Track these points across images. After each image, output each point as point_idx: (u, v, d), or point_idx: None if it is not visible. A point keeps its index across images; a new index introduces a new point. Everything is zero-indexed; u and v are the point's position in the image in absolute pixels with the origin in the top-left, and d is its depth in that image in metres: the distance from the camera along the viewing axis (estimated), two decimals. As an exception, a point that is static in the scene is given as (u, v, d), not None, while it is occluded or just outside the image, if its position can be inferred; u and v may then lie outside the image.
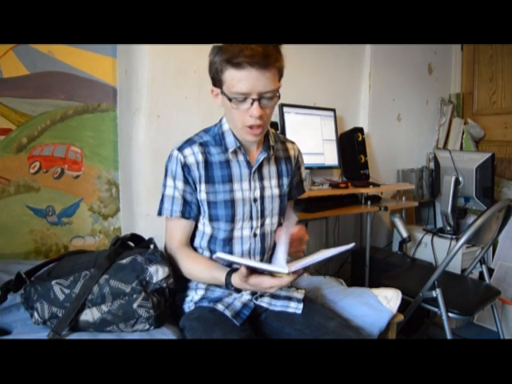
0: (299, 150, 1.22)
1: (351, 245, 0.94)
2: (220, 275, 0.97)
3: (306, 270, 0.92)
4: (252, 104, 0.93)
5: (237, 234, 1.08)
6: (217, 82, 0.96)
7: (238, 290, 1.02)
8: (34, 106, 1.64)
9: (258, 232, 1.10)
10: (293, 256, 1.01)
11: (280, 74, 0.98)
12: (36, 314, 0.95)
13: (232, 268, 0.97)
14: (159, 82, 1.70)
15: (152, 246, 1.07)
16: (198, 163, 1.03)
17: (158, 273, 0.98)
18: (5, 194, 1.61)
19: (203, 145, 1.05)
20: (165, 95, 1.72)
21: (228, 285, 0.95)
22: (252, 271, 0.90)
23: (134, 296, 0.95)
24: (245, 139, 1.02)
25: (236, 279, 0.92)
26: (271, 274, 0.90)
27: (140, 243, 1.13)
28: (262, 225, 1.10)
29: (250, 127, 0.97)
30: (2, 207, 1.61)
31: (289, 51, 2.22)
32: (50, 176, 1.71)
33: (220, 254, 0.89)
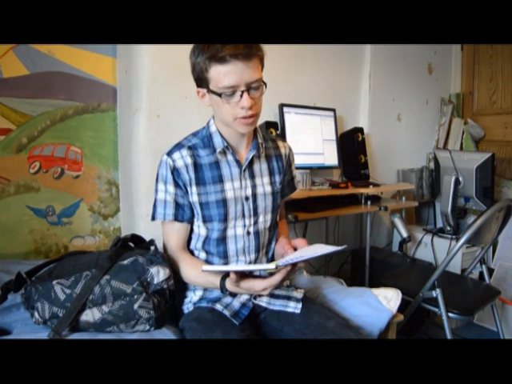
0: (290, 148, 1.22)
1: (343, 246, 0.94)
2: (215, 280, 0.97)
3: (295, 266, 0.92)
4: (241, 96, 0.94)
5: (230, 232, 1.09)
6: (202, 81, 0.97)
7: (234, 294, 1.03)
8: (33, 106, 1.64)
9: (251, 230, 1.10)
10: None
11: (262, 64, 0.99)
12: (36, 314, 0.95)
13: (227, 273, 0.97)
14: (159, 82, 1.70)
15: (153, 248, 1.07)
16: (187, 166, 1.04)
17: (158, 274, 0.98)
18: (5, 194, 1.61)
19: (192, 148, 1.06)
20: (165, 95, 1.72)
21: (223, 289, 0.95)
22: (243, 275, 0.90)
23: (135, 297, 0.95)
24: (238, 132, 1.02)
25: (229, 284, 0.93)
26: (262, 276, 0.90)
27: (140, 244, 1.13)
28: (256, 223, 1.11)
29: (243, 118, 0.97)
30: (1, 207, 1.61)
31: (289, 51, 2.22)
32: (50, 176, 1.71)
33: (206, 267, 0.89)
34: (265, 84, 0.98)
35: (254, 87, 0.95)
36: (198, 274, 1.02)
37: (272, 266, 0.85)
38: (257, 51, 0.94)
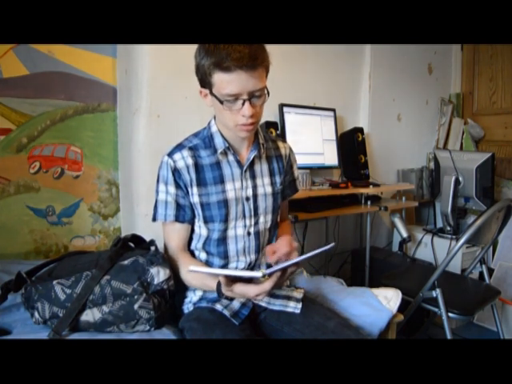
0: (291, 149, 1.22)
1: (331, 245, 0.93)
2: (211, 283, 0.97)
3: (286, 271, 0.92)
4: (243, 104, 0.94)
5: (230, 233, 1.09)
6: (205, 83, 0.97)
7: (231, 298, 1.02)
8: (33, 106, 1.64)
9: (251, 230, 1.10)
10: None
11: (267, 72, 0.99)
12: (36, 314, 0.95)
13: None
14: (159, 82, 1.70)
15: (153, 248, 1.07)
16: (188, 167, 1.04)
17: (159, 274, 0.98)
18: (5, 194, 1.61)
19: (193, 148, 1.06)
20: (165, 95, 1.72)
21: (219, 293, 0.95)
22: (236, 279, 0.90)
23: (135, 297, 0.95)
24: (238, 136, 1.03)
25: (223, 289, 0.92)
26: (255, 281, 0.90)
27: (140, 244, 1.13)
28: (256, 223, 1.11)
29: (243, 124, 0.97)
30: (1, 207, 1.61)
31: (289, 51, 2.22)
32: (50, 176, 1.71)
33: (193, 267, 0.89)
34: (267, 92, 0.98)
35: (257, 95, 0.95)
36: (196, 276, 1.02)
37: (259, 274, 0.85)
38: (262, 62, 0.93)
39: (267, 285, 0.88)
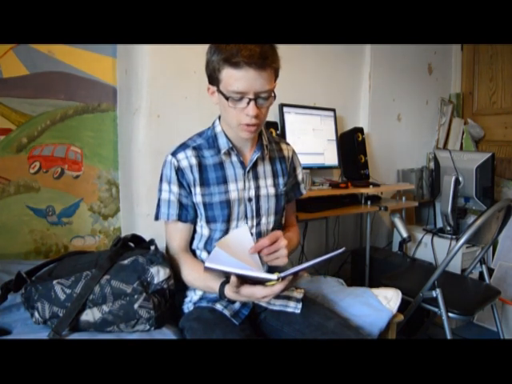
0: (294, 151, 1.22)
1: (341, 249, 0.94)
2: (214, 285, 0.96)
3: (297, 275, 0.92)
4: (248, 103, 0.94)
5: None
6: (213, 80, 0.97)
7: (232, 301, 1.02)
8: (33, 106, 1.64)
9: (253, 231, 1.10)
10: (272, 263, 1.01)
11: (276, 75, 0.99)
12: (36, 314, 0.95)
13: (226, 279, 0.95)
14: (159, 82, 1.70)
15: (153, 247, 1.07)
16: (191, 166, 1.04)
17: (159, 274, 0.98)
18: (5, 194, 1.61)
19: (196, 148, 1.06)
20: (165, 95, 1.72)
21: (221, 295, 0.95)
22: (244, 281, 0.90)
23: (135, 296, 0.95)
24: (240, 137, 1.03)
25: (228, 291, 0.92)
26: (262, 283, 0.90)
27: (140, 244, 1.13)
28: (258, 224, 1.11)
29: (246, 125, 0.97)
30: (2, 207, 1.61)
31: (289, 51, 2.21)
32: (50, 176, 1.71)
33: (209, 264, 0.88)
34: (274, 95, 0.98)
35: (263, 97, 0.95)
36: (198, 277, 1.02)
37: (274, 277, 0.85)
38: (271, 63, 0.93)
39: (278, 287, 0.87)
